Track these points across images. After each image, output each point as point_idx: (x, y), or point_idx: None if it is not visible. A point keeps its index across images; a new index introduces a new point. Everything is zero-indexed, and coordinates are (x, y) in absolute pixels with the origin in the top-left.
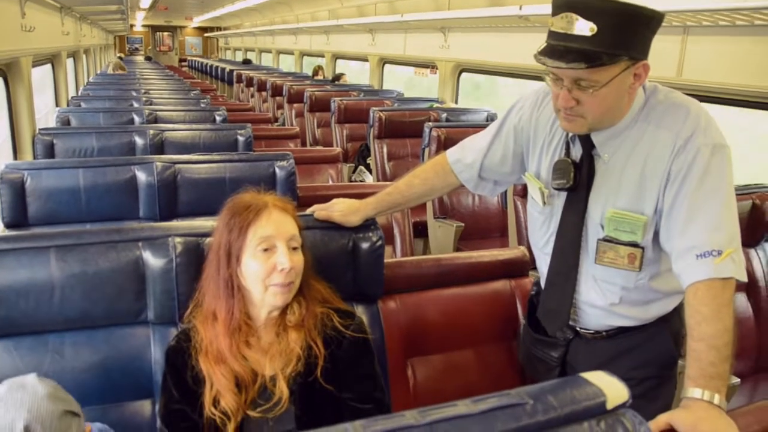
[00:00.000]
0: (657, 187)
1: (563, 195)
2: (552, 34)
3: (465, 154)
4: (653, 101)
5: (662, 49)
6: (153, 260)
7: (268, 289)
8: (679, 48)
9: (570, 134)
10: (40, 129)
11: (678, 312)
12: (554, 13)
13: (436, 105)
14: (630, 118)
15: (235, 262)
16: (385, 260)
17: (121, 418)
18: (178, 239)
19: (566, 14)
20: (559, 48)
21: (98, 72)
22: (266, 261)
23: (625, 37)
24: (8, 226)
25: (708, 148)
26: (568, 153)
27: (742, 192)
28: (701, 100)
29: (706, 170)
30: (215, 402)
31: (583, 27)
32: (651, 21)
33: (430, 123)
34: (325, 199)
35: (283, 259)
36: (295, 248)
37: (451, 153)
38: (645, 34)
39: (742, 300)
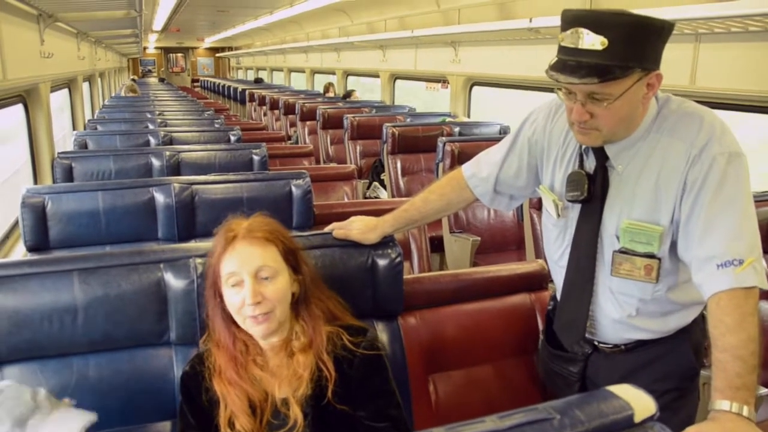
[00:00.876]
0: (673, 198)
1: (578, 207)
2: (562, 49)
3: (480, 168)
4: (666, 111)
5: (675, 57)
6: (174, 281)
7: (246, 321)
8: (692, 56)
9: (583, 146)
10: (59, 153)
11: (698, 323)
12: (564, 29)
13: (448, 119)
14: (643, 129)
15: (218, 295)
16: (404, 276)
17: None
18: (198, 260)
19: (576, 29)
20: (571, 63)
21: (113, 95)
22: (237, 295)
23: (636, 49)
24: (30, 249)
25: (724, 157)
26: (581, 165)
27: (762, 198)
28: (715, 107)
29: (722, 179)
30: (231, 424)
31: (594, 41)
32: (662, 31)
33: (443, 138)
34: (342, 216)
35: (248, 294)
36: (267, 278)
37: (467, 168)
38: (656, 45)
39: (765, 308)
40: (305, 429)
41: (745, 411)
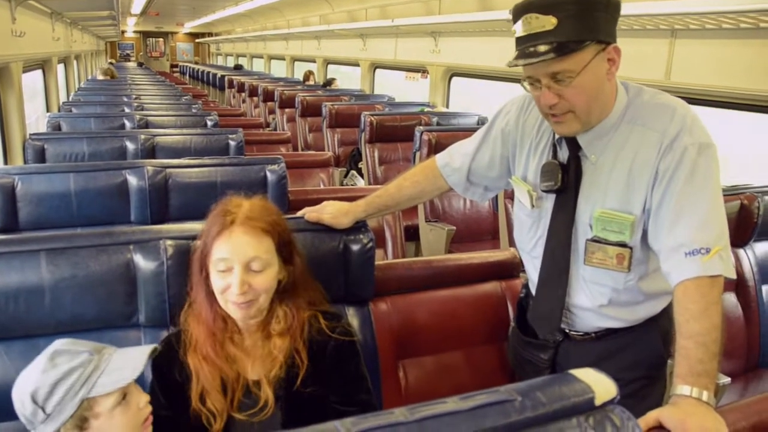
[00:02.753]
0: (644, 187)
1: (552, 197)
2: (519, 40)
3: (454, 158)
4: (638, 101)
5: (650, 51)
6: (144, 263)
7: (228, 304)
8: (667, 51)
9: (557, 136)
10: (30, 134)
11: (666, 312)
12: (515, 20)
13: (427, 109)
14: (615, 118)
15: (204, 271)
16: (376, 262)
17: None
18: (168, 242)
19: (525, 16)
20: (528, 49)
21: (89, 77)
22: (223, 279)
23: (586, 23)
24: None
25: (695, 147)
26: (555, 155)
27: (731, 192)
28: (689, 103)
29: (692, 169)
30: (202, 399)
31: (544, 22)
32: (608, 6)
33: (421, 127)
34: (317, 202)
35: (235, 283)
36: (257, 270)
37: (441, 157)
38: (606, 18)
39: (731, 299)
40: (276, 411)
41: (705, 396)
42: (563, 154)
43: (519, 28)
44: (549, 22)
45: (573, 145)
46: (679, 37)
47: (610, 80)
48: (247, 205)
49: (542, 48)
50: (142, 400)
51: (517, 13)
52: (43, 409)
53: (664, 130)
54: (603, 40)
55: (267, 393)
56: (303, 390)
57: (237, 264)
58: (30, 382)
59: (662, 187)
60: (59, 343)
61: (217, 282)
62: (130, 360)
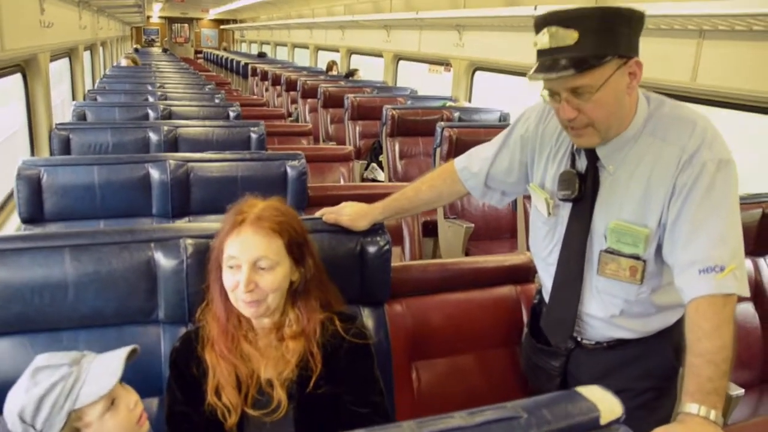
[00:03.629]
0: (661, 201)
1: (568, 206)
2: (539, 53)
3: (472, 163)
4: (659, 114)
5: (677, 52)
6: (164, 261)
7: (237, 302)
8: (694, 52)
9: (575, 146)
10: (56, 124)
11: (679, 325)
12: (537, 32)
13: (449, 103)
14: (635, 130)
15: (217, 269)
16: (393, 264)
17: None
18: (189, 241)
19: (547, 29)
20: (548, 62)
21: (115, 64)
22: (232, 276)
23: (607, 38)
24: (25, 221)
25: (714, 163)
26: (573, 164)
27: (752, 201)
28: (715, 106)
29: (710, 185)
30: (217, 393)
31: (565, 36)
32: (631, 19)
33: (442, 123)
34: (336, 199)
35: (242, 281)
36: (264, 268)
37: (459, 161)
38: (628, 33)
39: (749, 310)
40: (289, 412)
41: (713, 415)
42: (581, 163)
43: (541, 41)
44: (570, 36)
45: (591, 155)
46: (708, 38)
47: (630, 94)
48: (260, 205)
49: (562, 62)
50: (131, 401)
51: (539, 25)
52: (33, 427)
53: (684, 145)
54: (624, 54)
55: (280, 394)
56: (316, 391)
57: (244, 262)
58: (16, 403)
59: (679, 202)
60: (39, 360)
61: (227, 279)
62: (110, 366)
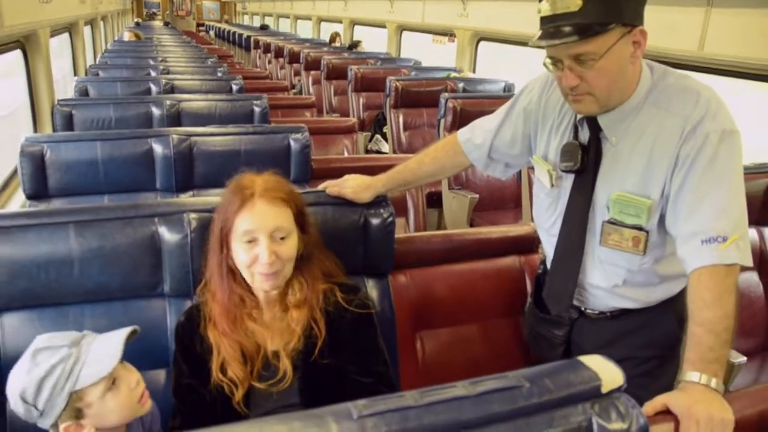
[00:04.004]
0: (664, 172)
1: (571, 177)
2: (542, 20)
3: (475, 135)
4: (662, 85)
5: (684, 20)
6: (168, 235)
7: (255, 276)
8: (702, 20)
9: (578, 117)
10: (59, 100)
11: (683, 294)
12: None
13: (453, 74)
14: (638, 100)
15: (225, 247)
16: (396, 235)
17: None
18: (192, 215)
19: None
20: (551, 29)
21: (116, 38)
22: (249, 251)
23: (612, 4)
24: (29, 197)
25: (717, 134)
26: (576, 136)
27: (757, 171)
28: (723, 75)
29: (714, 156)
30: (223, 370)
31: (569, 3)
32: None
33: (446, 94)
34: (340, 171)
35: (264, 253)
36: (282, 238)
37: (462, 133)
38: (633, 1)
39: (753, 278)
40: (294, 382)
41: (714, 383)
42: (584, 134)
43: (544, 8)
44: (574, 3)
45: (594, 126)
46: (716, 6)
47: (633, 63)
48: (260, 179)
49: (566, 29)
50: (132, 380)
51: None
52: (35, 407)
53: (687, 115)
54: (629, 22)
55: (285, 364)
56: (320, 361)
57: (262, 234)
58: (18, 384)
59: (682, 173)
60: (39, 340)
61: (242, 256)
62: (110, 347)
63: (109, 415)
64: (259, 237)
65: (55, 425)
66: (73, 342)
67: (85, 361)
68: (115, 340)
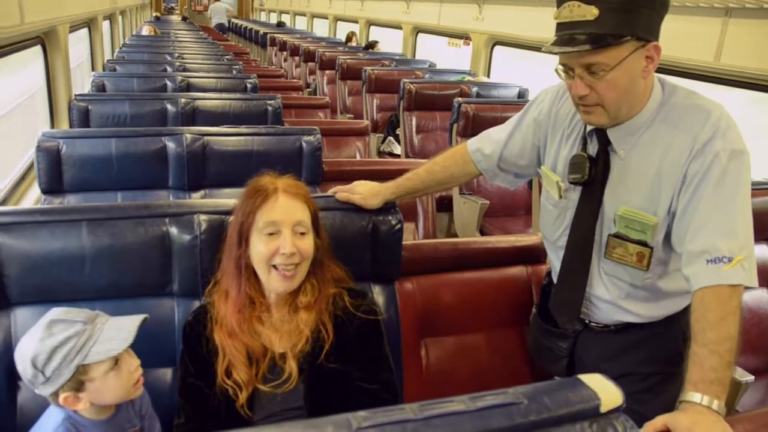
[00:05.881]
0: (671, 189)
1: (579, 189)
2: (558, 26)
3: (485, 145)
4: (673, 101)
5: (700, 31)
6: (179, 236)
7: (271, 272)
8: (719, 31)
9: (587, 129)
10: (76, 95)
11: (687, 311)
12: (558, 5)
13: (467, 77)
14: (648, 116)
15: (244, 242)
16: (404, 242)
17: (145, 384)
18: (203, 217)
19: (569, 3)
20: (565, 36)
21: (134, 32)
22: (270, 243)
23: (628, 18)
24: (45, 192)
25: (726, 153)
26: (584, 148)
27: (765, 187)
28: (739, 86)
29: (722, 175)
30: (228, 373)
31: (585, 12)
32: (654, 2)
33: (460, 98)
34: (351, 174)
35: (286, 244)
36: (302, 233)
37: (472, 142)
38: (650, 15)
39: (762, 296)
40: (299, 384)
41: (715, 405)
42: (593, 147)
43: (560, 14)
44: (590, 12)
45: (603, 139)
46: (734, 17)
47: (645, 77)
48: (281, 178)
49: (580, 38)
50: (133, 365)
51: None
52: (43, 373)
53: (697, 134)
54: (643, 37)
55: (291, 366)
56: (326, 364)
57: (285, 226)
58: (30, 349)
59: (689, 192)
60: (55, 312)
61: (261, 249)
62: (122, 331)
63: (107, 392)
64: (281, 229)
65: (56, 393)
66: (89, 318)
67: (97, 339)
68: (128, 324)
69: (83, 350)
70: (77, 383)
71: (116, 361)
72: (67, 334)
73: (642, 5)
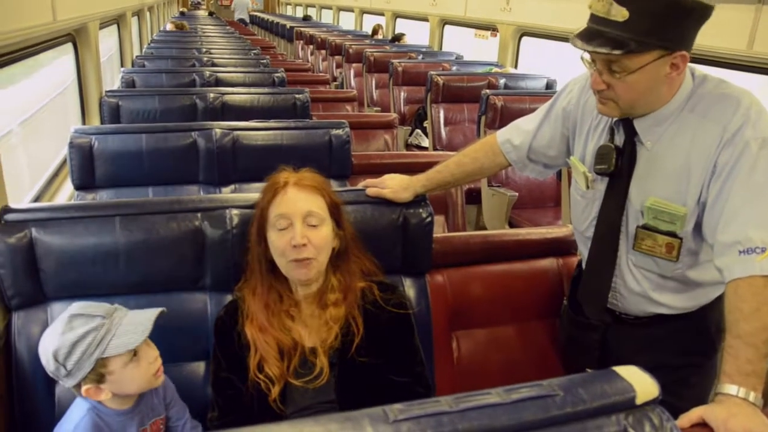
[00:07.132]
0: (701, 179)
1: (606, 180)
2: (591, 17)
3: (514, 135)
4: (702, 91)
5: (732, 18)
6: (211, 231)
7: (289, 264)
8: (752, 18)
9: (614, 120)
10: (106, 92)
11: (720, 301)
12: None
13: (495, 69)
14: (675, 107)
15: (263, 240)
16: (435, 235)
17: (178, 377)
18: (234, 211)
19: None
20: (592, 31)
21: (162, 28)
22: (283, 237)
23: (658, 26)
24: (77, 188)
25: (757, 142)
26: (612, 138)
27: None
28: None
29: (753, 164)
30: (260, 367)
31: (617, 12)
32: (691, 12)
33: (488, 90)
34: (380, 167)
35: (297, 234)
36: (314, 225)
37: (501, 133)
38: (684, 25)
39: None
40: (330, 379)
41: (752, 397)
42: (620, 137)
43: (594, 5)
44: (621, 13)
45: (629, 129)
46: None
47: (668, 83)
48: (294, 172)
49: (603, 36)
50: (152, 355)
51: None
52: (65, 366)
53: (726, 123)
54: (670, 46)
55: (322, 361)
56: (357, 358)
57: (295, 219)
58: (51, 343)
59: (720, 182)
60: (75, 307)
61: (277, 242)
62: (139, 324)
63: (128, 383)
64: (292, 222)
65: (78, 385)
66: (107, 313)
67: (116, 333)
68: (144, 318)
69: (102, 344)
70: (98, 375)
71: (135, 352)
72: (87, 328)
73: (678, 13)
